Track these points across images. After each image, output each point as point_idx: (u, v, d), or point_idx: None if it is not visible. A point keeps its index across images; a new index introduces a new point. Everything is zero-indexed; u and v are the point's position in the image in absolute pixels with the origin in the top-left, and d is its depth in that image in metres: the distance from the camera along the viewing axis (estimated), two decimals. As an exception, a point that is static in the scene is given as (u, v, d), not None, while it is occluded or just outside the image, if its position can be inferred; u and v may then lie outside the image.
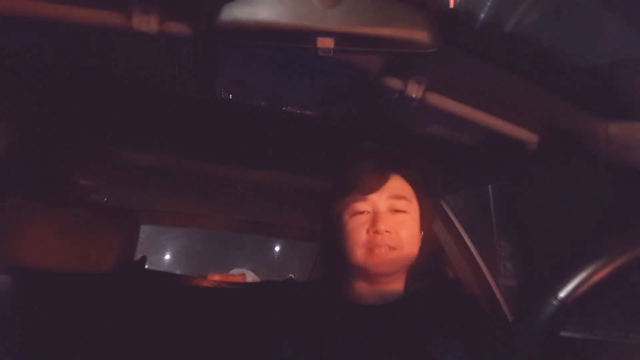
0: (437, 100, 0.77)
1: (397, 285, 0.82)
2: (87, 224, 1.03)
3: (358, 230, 0.78)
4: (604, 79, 0.68)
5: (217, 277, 1.95)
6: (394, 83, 0.74)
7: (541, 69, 0.70)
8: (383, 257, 0.76)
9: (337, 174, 0.89)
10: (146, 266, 1.45)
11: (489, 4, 0.59)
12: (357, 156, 0.87)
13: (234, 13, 0.59)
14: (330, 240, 0.85)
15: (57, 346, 0.96)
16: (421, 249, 0.81)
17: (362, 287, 0.82)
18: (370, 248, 0.76)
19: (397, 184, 0.81)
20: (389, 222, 0.77)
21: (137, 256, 1.33)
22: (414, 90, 0.74)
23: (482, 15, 0.60)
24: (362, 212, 0.79)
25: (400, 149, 0.88)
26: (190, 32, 0.64)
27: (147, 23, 0.62)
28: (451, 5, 0.59)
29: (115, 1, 0.62)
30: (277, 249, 6.78)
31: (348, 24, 0.58)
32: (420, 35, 0.60)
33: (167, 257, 6.95)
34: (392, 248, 0.76)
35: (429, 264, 0.83)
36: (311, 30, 0.58)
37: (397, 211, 0.79)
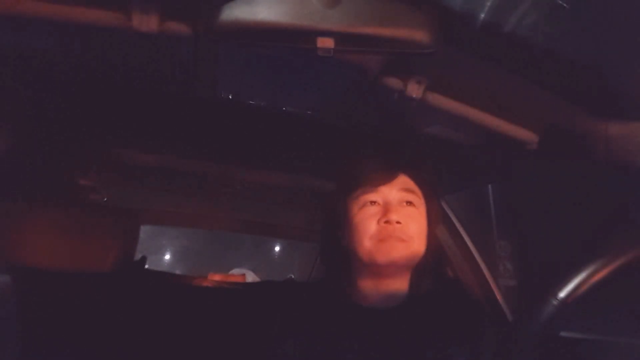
0: (437, 100, 0.77)
1: (401, 285, 0.81)
2: (87, 224, 1.03)
3: (368, 221, 0.77)
4: (604, 79, 0.68)
5: (217, 277, 1.95)
6: (394, 83, 0.74)
7: (541, 69, 0.70)
8: (393, 248, 0.75)
9: (344, 170, 0.89)
10: (146, 266, 1.45)
11: (489, 4, 0.59)
12: (366, 153, 0.87)
13: (234, 13, 0.59)
14: (334, 237, 0.84)
15: (57, 346, 0.96)
16: (427, 249, 0.81)
17: (366, 286, 0.81)
18: (380, 239, 0.76)
19: (406, 179, 0.82)
20: (400, 214, 0.77)
21: (137, 256, 1.33)
22: (414, 90, 0.74)
23: (482, 15, 0.60)
24: (372, 203, 0.79)
25: (407, 150, 0.89)
26: (190, 32, 0.64)
27: (147, 23, 0.62)
28: None
29: (115, 1, 0.62)
30: (277, 249, 6.78)
31: (348, 24, 0.58)
32: (420, 35, 0.60)
33: (167, 257, 6.96)
34: (402, 240, 0.76)
35: (431, 265, 0.83)
36: (311, 30, 0.58)
37: (407, 203, 0.80)
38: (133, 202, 1.81)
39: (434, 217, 0.85)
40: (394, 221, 0.76)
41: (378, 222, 0.77)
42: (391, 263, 0.77)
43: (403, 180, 0.81)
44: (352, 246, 0.79)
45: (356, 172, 0.83)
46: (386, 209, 0.78)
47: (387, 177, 0.80)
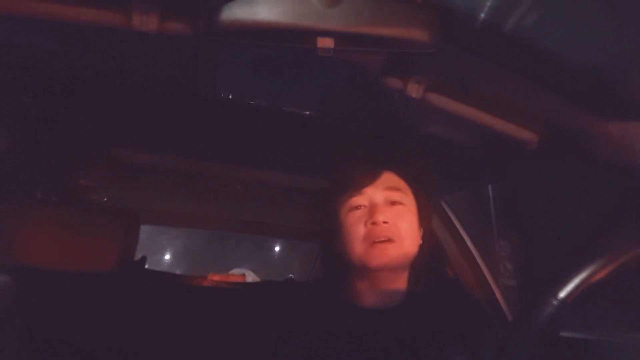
0: (437, 100, 0.77)
1: (398, 285, 0.81)
2: (87, 224, 1.03)
3: (356, 225, 0.77)
4: (604, 79, 0.68)
5: (217, 277, 1.95)
6: (394, 83, 0.74)
7: (541, 69, 0.70)
8: (383, 250, 0.75)
9: (332, 174, 0.89)
10: (146, 266, 1.45)
11: (489, 4, 0.59)
12: (350, 155, 0.87)
13: (234, 13, 0.59)
14: (330, 241, 0.84)
15: (57, 346, 0.96)
16: (422, 247, 0.81)
17: (363, 288, 0.81)
18: (371, 242, 0.75)
19: (391, 177, 0.82)
20: (387, 213, 0.76)
21: (137, 256, 1.33)
22: (414, 90, 0.74)
23: (482, 15, 0.60)
24: (358, 207, 0.79)
25: (392, 146, 0.88)
26: (190, 32, 0.64)
27: (147, 23, 0.62)
28: None
29: (115, 1, 0.62)
30: (277, 249, 6.78)
31: (348, 24, 0.58)
32: (420, 35, 0.60)
33: (167, 257, 6.95)
34: (391, 240, 0.75)
35: (430, 264, 0.83)
36: (311, 30, 0.58)
37: (393, 203, 0.79)
38: (133, 202, 1.81)
39: (427, 213, 0.84)
40: (381, 221, 0.75)
41: (365, 224, 0.76)
42: (383, 266, 0.76)
43: (388, 178, 0.81)
44: (344, 251, 0.79)
45: (342, 176, 0.83)
46: (372, 210, 0.77)
47: (371, 177, 0.79)
